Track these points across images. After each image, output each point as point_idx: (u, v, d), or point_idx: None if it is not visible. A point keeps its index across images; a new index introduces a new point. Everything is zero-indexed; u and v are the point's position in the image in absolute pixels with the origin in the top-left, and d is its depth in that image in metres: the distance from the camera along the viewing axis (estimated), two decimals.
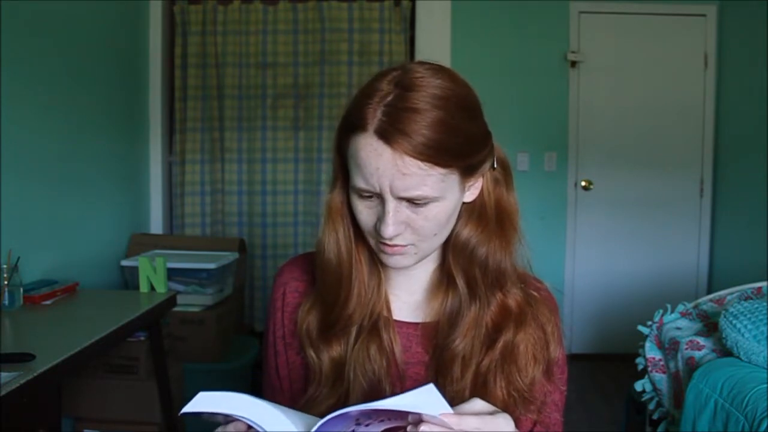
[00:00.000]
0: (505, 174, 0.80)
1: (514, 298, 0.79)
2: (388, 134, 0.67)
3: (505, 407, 0.76)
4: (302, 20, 3.48)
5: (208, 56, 3.48)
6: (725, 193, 3.66)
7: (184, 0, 3.48)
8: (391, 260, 0.75)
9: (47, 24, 2.36)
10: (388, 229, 0.70)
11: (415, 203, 0.71)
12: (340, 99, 3.46)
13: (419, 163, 0.67)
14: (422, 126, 0.67)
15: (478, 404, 0.63)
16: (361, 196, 0.73)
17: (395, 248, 0.74)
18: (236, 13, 3.47)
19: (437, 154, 0.67)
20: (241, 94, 3.51)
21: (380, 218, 0.72)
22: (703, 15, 3.67)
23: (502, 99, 3.57)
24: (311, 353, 0.81)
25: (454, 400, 0.76)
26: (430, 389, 0.56)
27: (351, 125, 0.71)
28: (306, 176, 3.55)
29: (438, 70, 0.72)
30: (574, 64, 3.63)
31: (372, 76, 0.73)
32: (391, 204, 0.70)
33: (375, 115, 0.68)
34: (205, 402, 0.58)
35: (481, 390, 0.76)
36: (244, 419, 0.59)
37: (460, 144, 0.69)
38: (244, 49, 3.49)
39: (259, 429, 0.58)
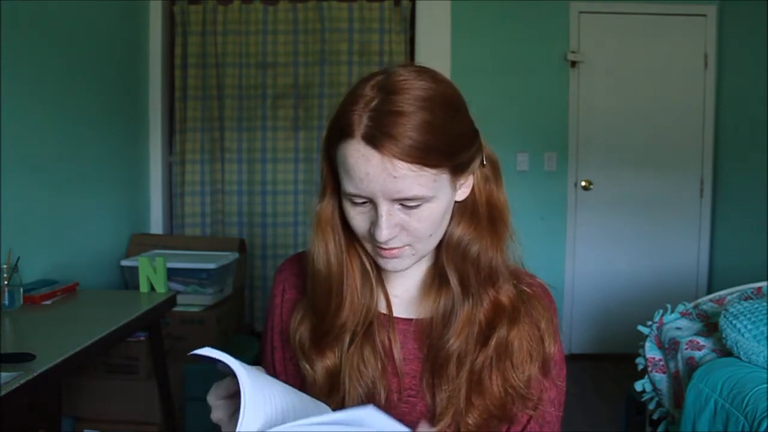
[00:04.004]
0: (494, 171, 0.81)
1: (506, 294, 0.79)
2: (375, 139, 0.67)
3: (502, 404, 0.77)
4: (302, 20, 3.49)
5: (208, 56, 3.49)
6: (725, 193, 3.66)
7: (184, 0, 3.48)
8: (389, 264, 0.76)
9: (47, 24, 2.36)
10: (383, 233, 0.71)
11: (407, 205, 0.71)
12: (339, 99, 3.41)
13: (409, 165, 0.67)
14: (408, 128, 0.67)
15: (422, 427, 0.69)
16: (354, 203, 0.73)
17: (392, 251, 0.74)
18: (236, 13, 3.47)
19: (426, 155, 0.68)
20: (241, 94, 3.51)
21: (374, 222, 0.72)
22: (703, 15, 3.67)
23: (502, 99, 3.57)
24: (305, 365, 0.81)
25: (451, 399, 0.76)
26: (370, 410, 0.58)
27: (337, 133, 0.71)
28: (306, 176, 3.55)
29: (420, 71, 0.72)
30: (574, 64, 3.63)
31: (356, 82, 0.73)
32: (384, 207, 0.70)
33: (361, 121, 0.68)
34: (211, 351, 0.61)
35: (476, 388, 0.77)
36: (239, 379, 0.59)
37: (447, 143, 0.70)
38: (244, 49, 3.49)
39: (242, 397, 0.59)
